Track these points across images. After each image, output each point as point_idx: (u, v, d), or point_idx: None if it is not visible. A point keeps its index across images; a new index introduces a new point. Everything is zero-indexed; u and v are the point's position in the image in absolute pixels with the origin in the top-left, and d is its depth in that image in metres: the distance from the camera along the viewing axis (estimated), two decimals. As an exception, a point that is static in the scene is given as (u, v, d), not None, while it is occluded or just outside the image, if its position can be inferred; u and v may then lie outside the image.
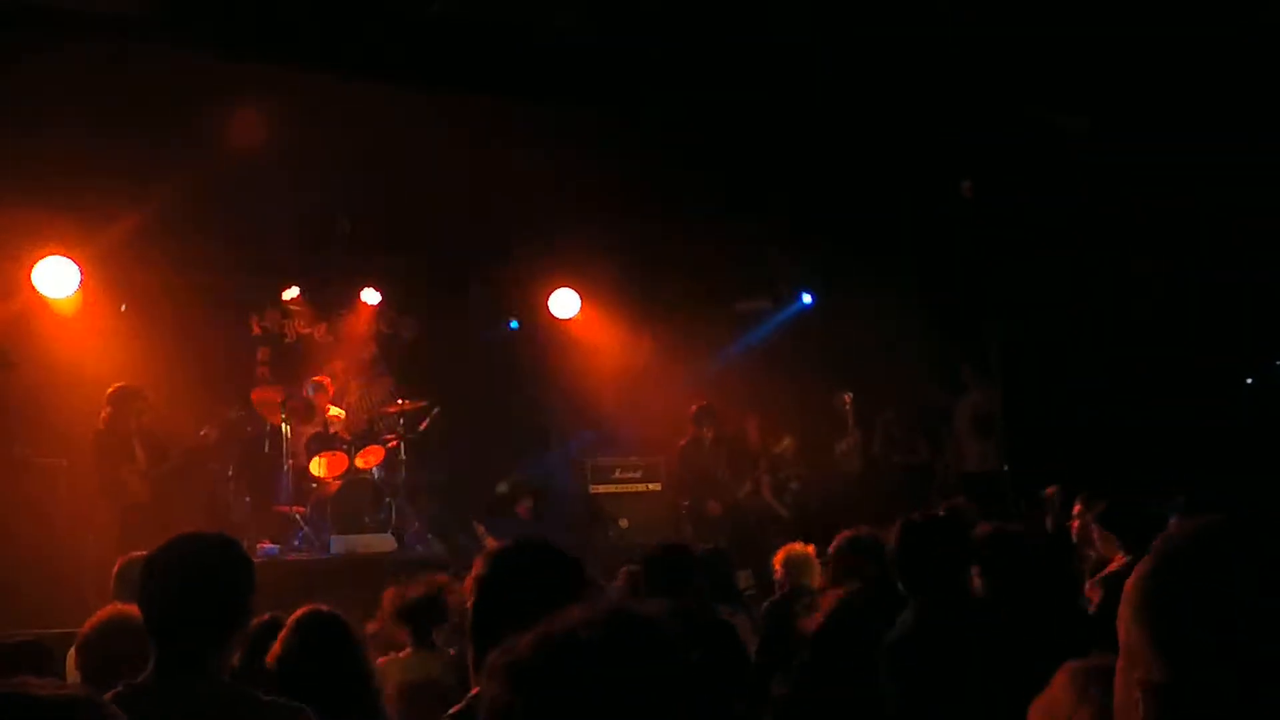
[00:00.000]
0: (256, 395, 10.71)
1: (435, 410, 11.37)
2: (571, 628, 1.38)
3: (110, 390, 9.18)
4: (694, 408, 10.58)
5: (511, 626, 2.32)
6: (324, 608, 3.47)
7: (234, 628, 2.58)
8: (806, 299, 12.62)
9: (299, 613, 3.44)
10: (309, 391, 10.70)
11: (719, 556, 6.47)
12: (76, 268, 9.62)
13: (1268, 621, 1.19)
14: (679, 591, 4.72)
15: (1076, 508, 6.86)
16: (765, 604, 6.26)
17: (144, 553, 5.08)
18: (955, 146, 10.13)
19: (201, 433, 9.91)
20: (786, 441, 11.77)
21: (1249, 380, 10.62)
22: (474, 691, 2.42)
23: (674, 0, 7.99)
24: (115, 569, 5.08)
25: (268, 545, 9.73)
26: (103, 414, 9.09)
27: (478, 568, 2.47)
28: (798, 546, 6.31)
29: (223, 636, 2.56)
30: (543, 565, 2.46)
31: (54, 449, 9.31)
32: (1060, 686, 1.66)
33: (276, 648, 3.26)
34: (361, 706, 3.25)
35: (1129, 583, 1.30)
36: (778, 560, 6.34)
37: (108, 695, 2.48)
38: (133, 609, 3.59)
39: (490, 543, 10.23)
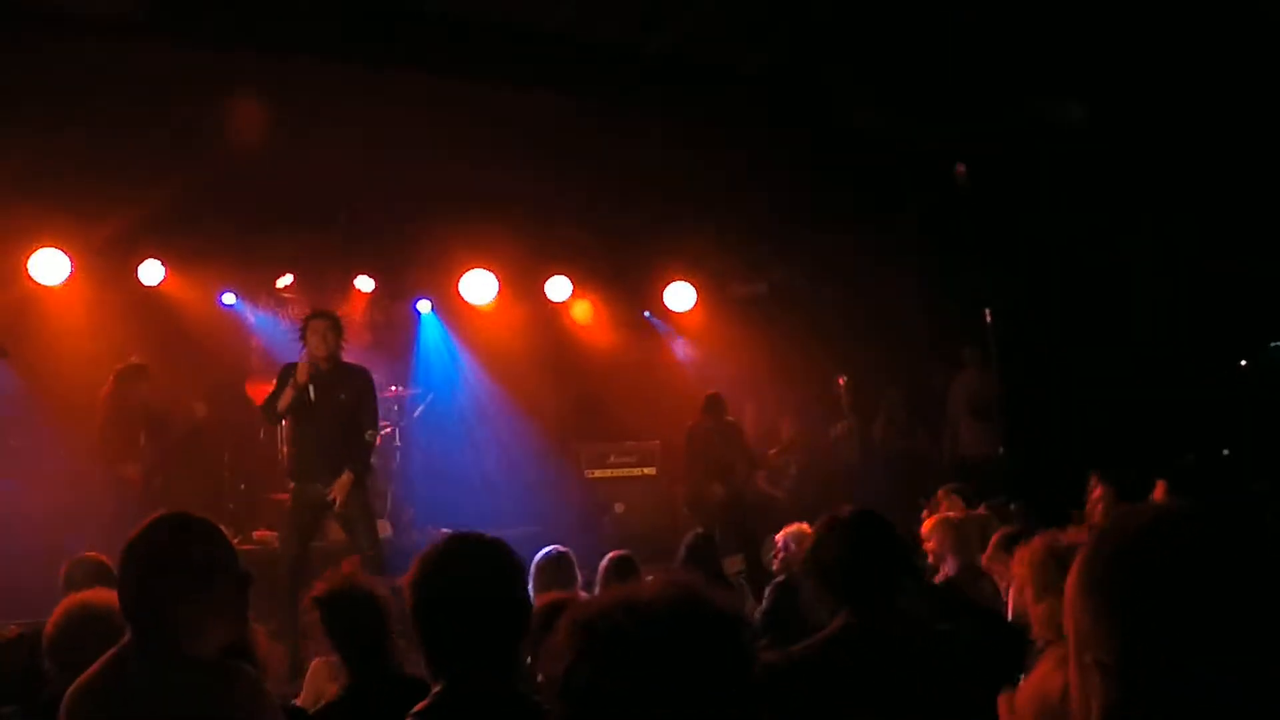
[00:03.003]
0: (250, 384, 10.71)
1: (429, 397, 11.40)
2: (650, 600, 1.48)
3: (118, 368, 9.17)
4: (705, 395, 10.60)
5: (454, 621, 2.42)
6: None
7: (188, 604, 2.62)
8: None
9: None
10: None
11: (706, 541, 6.55)
12: (68, 258, 9.63)
13: (1215, 599, 1.24)
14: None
15: (1097, 490, 6.57)
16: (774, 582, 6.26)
17: (92, 554, 5.16)
18: (954, 131, 10.12)
19: (195, 409, 9.94)
20: (788, 434, 11.79)
21: (1243, 362, 10.64)
22: (435, 690, 2.48)
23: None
24: (62, 571, 5.08)
25: (263, 532, 9.73)
26: (105, 390, 9.08)
27: (412, 571, 2.54)
28: (806, 527, 6.31)
29: (196, 614, 2.61)
30: (472, 558, 2.54)
31: (49, 438, 9.31)
32: (1046, 671, 1.68)
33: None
34: None
35: (1076, 567, 1.34)
36: (779, 540, 6.37)
37: (101, 660, 2.63)
38: (86, 597, 3.67)
39: None
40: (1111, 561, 1.30)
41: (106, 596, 3.74)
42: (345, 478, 7.53)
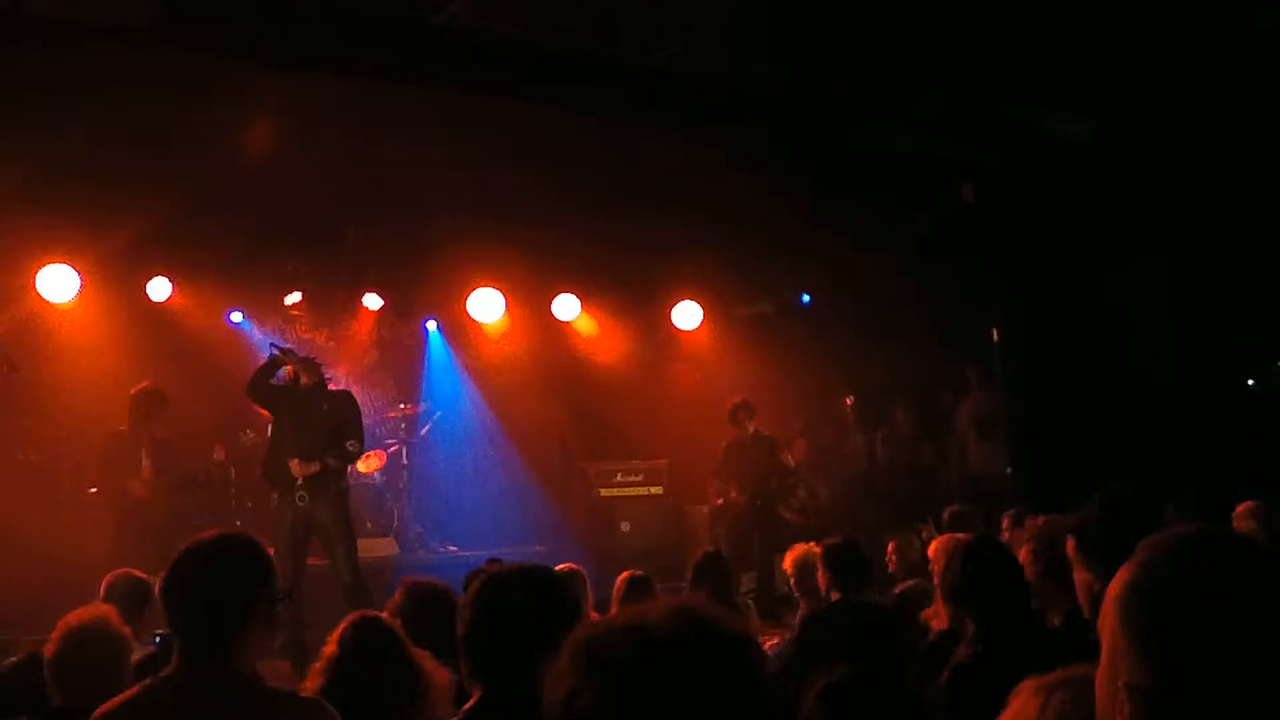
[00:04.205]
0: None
1: (437, 415, 11.41)
2: (653, 624, 1.42)
3: (133, 391, 9.16)
4: (729, 405, 10.51)
5: (505, 645, 2.48)
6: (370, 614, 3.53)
7: (253, 623, 2.65)
8: (805, 298, 12.65)
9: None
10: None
11: (716, 560, 6.51)
12: (76, 274, 9.65)
13: (1250, 629, 1.23)
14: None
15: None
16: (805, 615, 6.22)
17: (130, 570, 5.23)
18: (957, 149, 10.13)
19: (214, 455, 9.90)
20: (796, 444, 11.75)
21: (1250, 382, 10.60)
22: (468, 706, 2.53)
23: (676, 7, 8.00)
24: (104, 583, 5.12)
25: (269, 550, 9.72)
26: (126, 411, 9.09)
27: (471, 590, 2.60)
28: (810, 548, 6.34)
29: (240, 632, 2.63)
30: (533, 588, 2.60)
31: (57, 453, 9.32)
32: (1023, 702, 1.67)
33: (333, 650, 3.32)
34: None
35: (1113, 589, 1.33)
36: (788, 563, 6.36)
37: (136, 688, 2.62)
38: (84, 617, 3.71)
39: None
40: (1147, 586, 1.29)
41: (104, 614, 3.79)
42: (314, 464, 7.65)
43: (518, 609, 2.53)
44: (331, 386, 9.96)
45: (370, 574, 8.90)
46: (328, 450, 7.77)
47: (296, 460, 7.67)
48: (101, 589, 5.11)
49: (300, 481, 7.67)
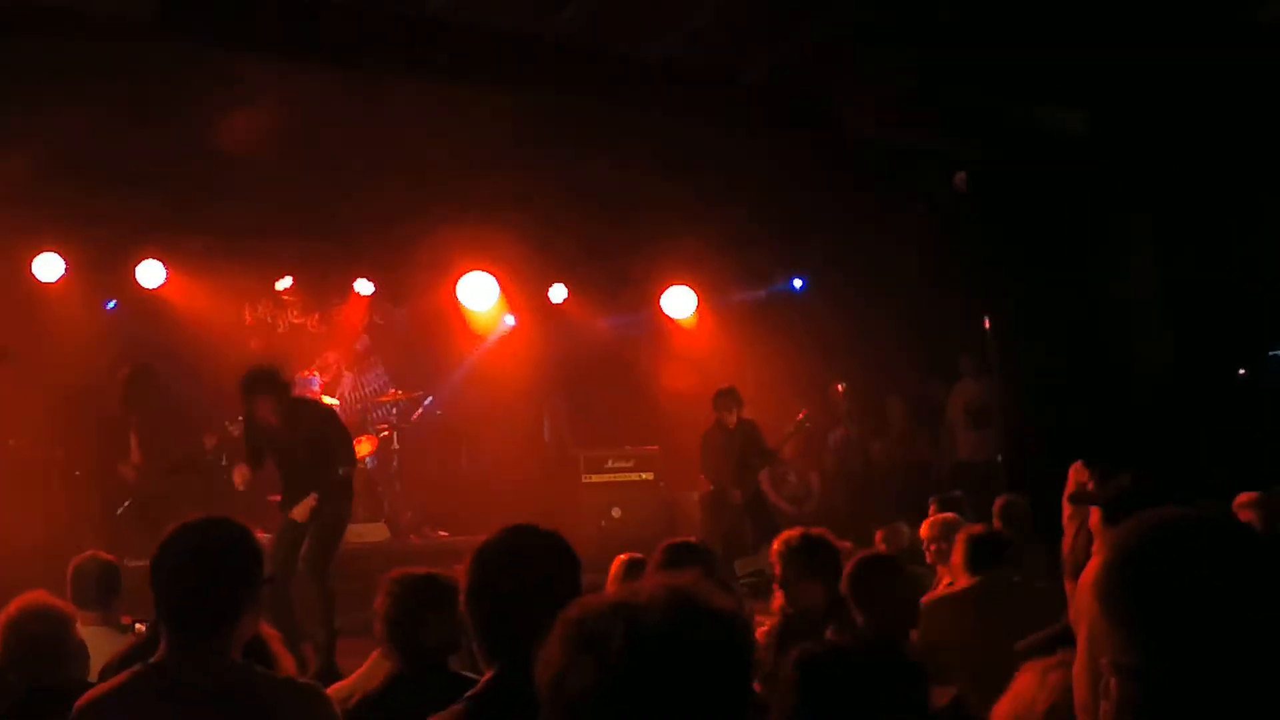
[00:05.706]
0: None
1: (428, 400, 11.40)
2: (642, 604, 1.43)
3: (122, 374, 9.12)
4: (715, 391, 10.50)
5: (513, 614, 2.35)
6: None
7: (244, 611, 2.62)
8: (797, 284, 12.63)
9: None
10: (306, 384, 10.68)
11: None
12: (63, 261, 9.62)
13: (1228, 605, 1.24)
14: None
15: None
16: None
17: (95, 551, 5.18)
18: (954, 137, 10.13)
19: (205, 442, 9.87)
20: (790, 429, 11.72)
21: (1241, 371, 10.63)
22: (486, 676, 2.40)
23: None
24: (71, 567, 5.04)
25: (260, 535, 9.69)
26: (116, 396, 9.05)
27: (469, 562, 2.46)
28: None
29: (233, 619, 2.60)
30: (533, 551, 2.45)
31: (49, 441, 9.30)
32: (1023, 684, 1.68)
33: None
34: None
35: (1086, 577, 1.35)
36: (774, 553, 6.39)
37: (124, 675, 2.57)
38: (26, 602, 3.68)
39: None
40: (1129, 565, 1.30)
41: (39, 596, 3.76)
42: (310, 498, 7.56)
43: (527, 576, 2.38)
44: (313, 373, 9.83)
45: (359, 558, 8.91)
46: (316, 473, 7.64)
47: (296, 510, 7.56)
48: (68, 572, 5.03)
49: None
